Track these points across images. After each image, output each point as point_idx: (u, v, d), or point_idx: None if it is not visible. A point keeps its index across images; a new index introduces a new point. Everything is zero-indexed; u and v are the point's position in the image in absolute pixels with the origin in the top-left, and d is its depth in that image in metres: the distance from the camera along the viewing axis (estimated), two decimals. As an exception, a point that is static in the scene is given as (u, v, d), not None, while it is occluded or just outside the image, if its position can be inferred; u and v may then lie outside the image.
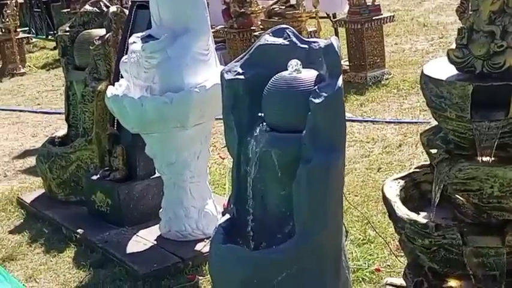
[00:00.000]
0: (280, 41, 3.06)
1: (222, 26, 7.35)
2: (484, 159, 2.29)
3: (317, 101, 2.74)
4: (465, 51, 2.40)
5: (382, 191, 2.48)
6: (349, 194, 3.81)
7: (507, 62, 2.31)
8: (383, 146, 4.69)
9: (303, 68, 2.90)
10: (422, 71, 2.53)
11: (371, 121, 5.21)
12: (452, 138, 2.39)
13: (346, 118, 5.18)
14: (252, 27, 6.88)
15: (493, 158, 2.27)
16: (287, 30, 3.10)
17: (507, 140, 2.27)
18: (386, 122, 5.20)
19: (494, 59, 2.33)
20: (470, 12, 2.44)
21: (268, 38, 3.07)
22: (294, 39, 3.06)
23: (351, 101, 5.83)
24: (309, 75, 2.88)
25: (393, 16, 6.93)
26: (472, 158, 2.30)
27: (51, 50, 10.44)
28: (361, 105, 5.70)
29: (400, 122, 5.13)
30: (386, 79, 6.30)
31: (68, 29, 4.62)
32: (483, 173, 2.23)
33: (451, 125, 2.37)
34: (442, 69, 2.46)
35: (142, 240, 3.67)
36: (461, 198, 2.30)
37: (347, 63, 6.58)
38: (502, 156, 2.26)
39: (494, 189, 2.21)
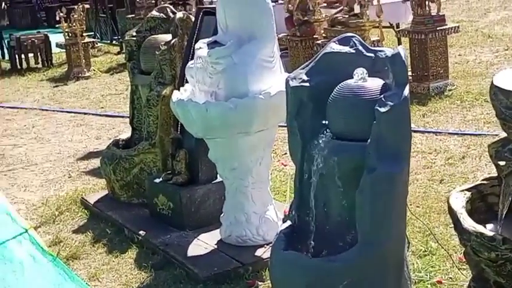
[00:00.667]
0: (346, 49, 3.05)
1: (285, 34, 7.35)
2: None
3: (383, 110, 2.72)
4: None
5: (448, 202, 2.45)
6: (410, 204, 3.75)
7: None
8: (445, 158, 4.62)
9: (369, 76, 2.89)
10: (492, 82, 2.48)
11: (433, 132, 5.14)
12: (523, 150, 2.35)
13: (413, 129, 5.18)
14: (314, 36, 6.87)
15: None
16: (353, 39, 3.09)
17: None
18: (449, 133, 5.11)
19: None
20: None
21: (334, 46, 3.06)
22: (360, 47, 3.05)
23: (413, 112, 5.74)
24: (374, 84, 2.86)
25: (458, 27, 6.82)
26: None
27: (115, 54, 10.63)
28: (423, 115, 5.63)
29: (464, 134, 5.04)
30: (450, 90, 6.21)
31: (134, 34, 4.68)
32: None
33: (521, 136, 2.33)
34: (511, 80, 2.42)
35: (203, 244, 3.68)
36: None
37: (410, 73, 6.51)
38: None
39: None
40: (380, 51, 3.02)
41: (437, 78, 6.25)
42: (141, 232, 3.92)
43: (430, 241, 3.41)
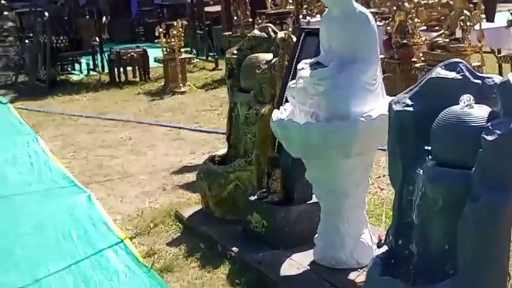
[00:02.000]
0: (452, 74, 3.03)
1: (382, 57, 7.31)
2: None
3: (490, 138, 2.68)
4: None
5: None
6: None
7: None
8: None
9: (475, 103, 2.86)
10: None
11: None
12: None
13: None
14: (412, 59, 6.79)
15: None
16: (460, 65, 3.07)
17: None
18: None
19: None
20: None
21: (440, 72, 3.05)
22: (467, 73, 3.03)
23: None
24: (481, 111, 2.83)
25: None
26: None
27: (210, 70, 10.76)
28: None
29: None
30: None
31: (235, 52, 4.74)
32: None
33: None
34: None
35: (296, 263, 3.67)
36: None
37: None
38: None
39: None
40: (488, 77, 2.99)
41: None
42: (233, 249, 3.94)
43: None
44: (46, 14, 10.79)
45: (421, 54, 6.68)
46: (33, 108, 8.95)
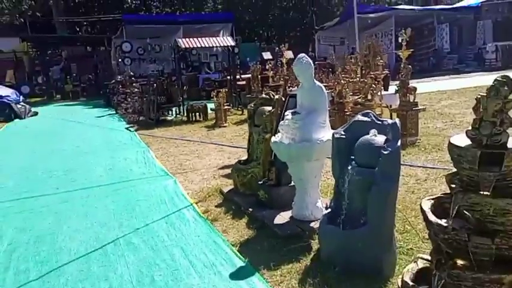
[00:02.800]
0: (366, 119, 3.05)
1: (330, 109, 7.28)
2: (485, 193, 2.12)
3: (385, 152, 2.70)
4: (477, 131, 2.25)
5: (420, 205, 2.35)
6: (396, 204, 3.64)
7: (502, 139, 2.15)
8: (415, 179, 4.44)
9: (378, 134, 2.85)
10: (449, 141, 2.38)
11: (409, 165, 4.95)
12: (466, 179, 2.23)
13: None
14: (345, 110, 6.75)
15: (489, 193, 2.10)
16: (370, 113, 3.08)
17: (499, 183, 2.10)
18: (417, 166, 4.91)
19: (495, 137, 2.17)
20: (481, 110, 2.30)
21: (359, 117, 3.07)
22: (374, 118, 3.03)
23: (398, 154, 5.59)
24: (381, 138, 2.84)
25: (424, 108, 6.61)
26: (477, 192, 2.14)
27: (239, 115, 10.79)
28: (403, 155, 5.40)
29: (425, 167, 4.84)
30: (418, 142, 5.97)
31: (252, 105, 4.76)
32: (483, 201, 2.07)
33: (465, 172, 2.22)
34: (460, 140, 2.32)
35: (282, 217, 3.64)
36: (468, 214, 2.13)
37: (398, 132, 6.32)
38: (495, 192, 2.09)
39: (490, 211, 2.05)
40: (385, 120, 2.99)
41: (412, 136, 6.02)
42: (250, 209, 3.93)
43: (406, 225, 3.28)
44: (154, 85, 10.91)
45: (349, 108, 6.64)
46: (147, 134, 9.00)
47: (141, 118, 10.99)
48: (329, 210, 3.00)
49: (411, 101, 6.18)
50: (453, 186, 2.28)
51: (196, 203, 4.31)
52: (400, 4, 27.62)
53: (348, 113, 6.46)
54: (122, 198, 4.65)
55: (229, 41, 13.12)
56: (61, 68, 22.07)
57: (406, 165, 4.91)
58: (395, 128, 2.84)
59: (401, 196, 3.87)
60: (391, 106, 6.79)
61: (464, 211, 2.17)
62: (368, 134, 2.89)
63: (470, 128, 2.30)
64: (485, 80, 13.15)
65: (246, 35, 29.65)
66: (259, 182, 4.06)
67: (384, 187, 2.62)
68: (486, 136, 2.20)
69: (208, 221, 3.79)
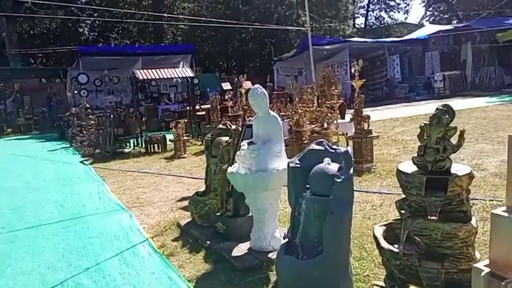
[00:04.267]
0: (320, 147, 3.07)
1: (287, 137, 7.38)
2: (432, 218, 2.18)
3: (339, 180, 2.72)
4: (422, 158, 2.34)
5: (373, 231, 2.39)
6: (352, 231, 3.66)
7: (446, 165, 2.24)
8: (371, 205, 4.50)
9: (332, 162, 2.89)
10: (397, 168, 2.46)
11: (365, 191, 5.04)
12: (414, 205, 2.30)
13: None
14: (302, 139, 6.86)
15: (437, 218, 2.16)
16: (324, 142, 3.12)
17: (445, 208, 2.17)
18: (373, 192, 5.00)
19: (439, 163, 2.26)
20: (425, 137, 2.39)
21: (314, 146, 3.09)
22: (327, 146, 3.06)
23: (354, 179, 5.59)
24: (334, 166, 2.87)
25: (378, 136, 6.83)
26: (425, 217, 2.20)
27: (199, 145, 10.68)
28: (359, 182, 5.53)
29: (381, 192, 4.93)
30: (374, 169, 6.11)
31: (210, 136, 4.74)
32: (431, 226, 2.13)
33: (413, 197, 2.29)
34: (408, 167, 2.40)
35: (240, 249, 3.58)
36: (418, 239, 2.18)
37: (353, 159, 6.45)
38: (442, 217, 2.15)
39: (438, 235, 2.10)
40: (338, 149, 3.03)
41: (367, 162, 6.17)
42: (207, 242, 3.83)
43: (363, 252, 3.29)
44: (111, 116, 10.70)
45: (307, 136, 6.75)
46: (103, 167, 8.70)
47: (97, 151, 10.67)
48: (286, 240, 2.97)
49: (365, 128, 6.37)
50: (403, 211, 2.33)
51: (152, 238, 4.16)
52: (354, 37, 28.92)
53: (305, 142, 6.56)
54: (72, 236, 4.41)
55: (188, 72, 13.18)
56: (12, 101, 21.28)
57: (362, 191, 5.00)
58: (347, 156, 2.89)
59: (357, 222, 3.92)
60: (347, 134, 6.96)
61: (415, 236, 2.21)
62: (322, 162, 2.92)
63: (415, 154, 2.39)
64: (434, 107, 13.86)
65: (206, 66, 29.94)
66: (217, 214, 3.99)
67: (339, 215, 2.64)
68: (431, 162, 2.29)
69: (164, 256, 3.65)
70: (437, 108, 2.44)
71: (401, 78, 21.81)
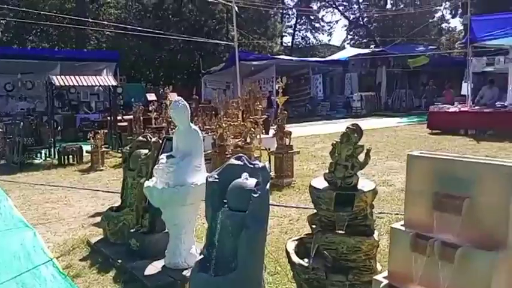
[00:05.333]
0: (238, 162, 3.07)
1: (211, 151, 7.36)
2: (340, 232, 2.28)
3: (255, 195, 2.73)
4: (332, 174, 2.44)
5: (285, 246, 2.43)
6: (269, 245, 3.71)
7: (353, 182, 2.35)
8: (289, 220, 4.62)
9: (250, 177, 2.90)
10: (310, 184, 2.55)
11: (284, 206, 5.17)
12: (324, 219, 2.38)
13: (272, 204, 5.21)
14: (225, 153, 6.85)
15: (344, 232, 2.26)
16: (243, 157, 3.13)
17: (352, 223, 2.28)
18: (291, 206, 5.15)
19: (347, 180, 2.37)
20: (336, 154, 2.51)
21: (232, 161, 3.09)
22: (246, 161, 3.07)
23: (275, 194, 5.79)
24: (252, 181, 2.87)
25: (299, 151, 7.07)
26: (333, 231, 2.29)
27: (118, 158, 10.24)
28: (279, 197, 5.67)
29: (298, 207, 5.09)
30: (293, 184, 6.30)
31: (128, 148, 4.58)
32: (338, 239, 2.22)
33: (323, 212, 2.37)
34: (320, 183, 2.49)
35: (154, 267, 3.47)
36: (326, 253, 2.26)
37: (274, 174, 6.57)
38: (349, 231, 2.26)
39: (343, 249, 2.19)
40: (256, 164, 3.06)
41: (287, 177, 6.35)
42: (119, 260, 3.66)
43: (277, 266, 3.34)
44: (21, 124, 9.89)
45: (230, 151, 6.76)
46: (7, 179, 7.96)
47: (1, 162, 9.76)
48: (201, 256, 2.92)
49: (287, 144, 6.56)
50: (314, 226, 2.41)
51: (57, 258, 3.87)
52: (281, 54, 29.87)
53: (228, 156, 6.54)
54: (-35, 257, 3.97)
55: (110, 81, 12.65)
56: None
57: (281, 206, 5.12)
58: (265, 171, 2.92)
59: (274, 237, 3.99)
60: (269, 149, 7.10)
61: (323, 250, 2.30)
62: (240, 177, 2.93)
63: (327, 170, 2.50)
64: (353, 125, 14.78)
65: (132, 75, 28.99)
66: (132, 230, 3.83)
67: (254, 230, 2.65)
68: (340, 179, 2.40)
69: (69, 278, 3.42)
70: (347, 128, 2.58)
71: (324, 97, 22.90)
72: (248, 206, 2.70)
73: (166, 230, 3.60)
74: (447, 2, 33.80)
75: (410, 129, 13.38)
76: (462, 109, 12.31)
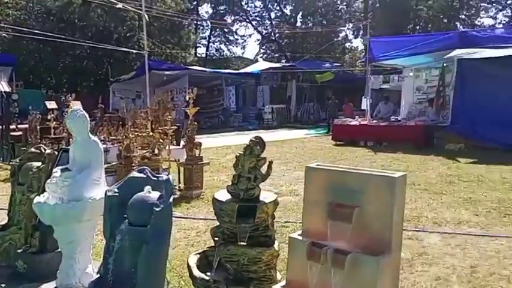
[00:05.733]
0: (141, 175, 2.97)
1: (116, 163, 6.99)
2: (242, 243, 2.28)
3: (157, 209, 2.65)
4: (235, 186, 2.45)
5: (187, 261, 2.38)
6: (174, 260, 3.60)
7: (255, 193, 2.38)
8: (196, 232, 4.54)
9: (153, 190, 2.81)
10: (213, 196, 2.52)
11: (191, 218, 5.07)
12: (227, 231, 2.37)
13: (179, 216, 5.09)
14: (132, 165, 6.55)
15: (246, 243, 2.27)
16: (146, 169, 3.03)
17: (254, 234, 2.30)
18: (199, 218, 5.07)
19: (250, 192, 2.39)
20: (240, 166, 2.52)
21: (135, 173, 2.98)
22: (149, 174, 2.98)
23: (183, 206, 5.68)
24: (155, 194, 2.79)
25: (209, 162, 7.02)
26: (235, 243, 2.29)
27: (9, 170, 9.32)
28: (187, 209, 5.56)
29: (206, 219, 5.02)
30: (203, 195, 6.24)
31: (18, 160, 4.15)
32: (240, 251, 2.22)
33: (226, 225, 2.36)
34: (223, 195, 2.48)
35: (42, 291, 3.12)
36: (228, 265, 2.25)
37: (183, 185, 6.46)
38: (250, 242, 2.27)
39: (244, 261, 2.20)
40: (160, 176, 2.97)
41: (197, 189, 6.27)
42: (2, 285, 3.27)
43: (181, 281, 3.24)
44: None
45: (137, 162, 6.48)
46: None
47: None
48: (98, 276, 2.74)
49: (197, 155, 6.49)
50: (216, 238, 2.39)
51: None
52: (195, 65, 29.76)
53: (134, 168, 6.28)
54: None
55: (3, 87, 11.52)
56: None
57: (189, 218, 5.02)
58: (168, 184, 2.85)
59: (180, 250, 3.89)
60: (179, 160, 6.97)
61: (226, 263, 2.28)
62: (143, 191, 2.82)
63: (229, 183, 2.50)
64: (263, 136, 15.11)
65: (31, 80, 26.73)
66: (19, 251, 3.48)
67: (155, 245, 2.56)
68: (243, 191, 2.41)
69: None
70: (250, 140, 2.62)
71: (236, 108, 23.24)
72: (149, 221, 2.60)
73: (59, 249, 3.31)
74: (350, 24, 36.61)
75: (317, 141, 14.09)
76: (362, 122, 13.30)
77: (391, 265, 1.90)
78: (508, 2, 32.60)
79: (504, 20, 32.92)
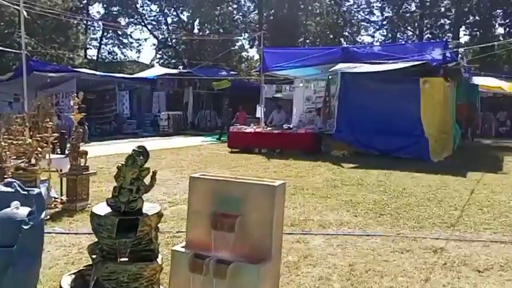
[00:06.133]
0: (9, 189, 2.67)
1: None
2: (123, 260, 2.16)
3: (26, 227, 2.41)
4: (116, 199, 2.31)
5: (60, 283, 2.17)
6: (49, 281, 3.28)
7: (138, 206, 2.28)
8: (78, 248, 4.18)
9: (22, 206, 2.54)
10: (91, 211, 2.35)
11: (74, 233, 4.69)
12: (106, 248, 2.23)
13: (59, 232, 4.68)
14: (5, 176, 5.82)
15: (127, 259, 2.16)
16: (14, 183, 2.74)
17: (136, 248, 2.19)
18: (83, 233, 4.69)
19: (132, 204, 2.28)
20: (121, 177, 2.38)
21: (0, 187, 2.66)
22: (18, 188, 2.70)
23: (64, 221, 5.23)
24: (24, 210, 2.52)
25: (96, 172, 6.58)
26: (115, 260, 2.16)
27: None
28: (70, 223, 5.13)
29: (90, 233, 4.53)
30: (88, 207, 5.79)
31: None
32: (120, 268, 2.10)
33: (105, 241, 2.21)
34: (103, 209, 2.33)
35: None
36: (107, 285, 2.11)
37: (66, 197, 5.95)
38: (131, 257, 2.16)
39: (124, 278, 2.08)
40: (31, 190, 2.71)
41: (82, 201, 5.83)
42: None
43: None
44: None
45: (10, 173, 5.81)
46: None
47: None
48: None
49: (82, 165, 6.04)
50: (94, 256, 2.23)
51: None
52: (85, 68, 27.88)
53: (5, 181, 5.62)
54: None
55: None
56: None
57: (70, 233, 4.64)
58: (40, 198, 2.61)
59: (58, 270, 3.56)
60: (61, 170, 6.42)
61: (103, 281, 2.13)
62: (10, 207, 2.53)
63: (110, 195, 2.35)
64: (159, 143, 14.74)
65: None
66: None
67: (23, 267, 2.31)
68: (124, 203, 2.28)
69: None
70: (133, 150, 2.50)
71: (130, 114, 22.30)
72: (17, 240, 2.34)
73: None
74: (246, 34, 37.67)
75: (213, 148, 14.15)
76: (256, 130, 13.72)
77: (271, 271, 1.96)
78: (384, 23, 36.62)
79: (381, 39, 36.90)
